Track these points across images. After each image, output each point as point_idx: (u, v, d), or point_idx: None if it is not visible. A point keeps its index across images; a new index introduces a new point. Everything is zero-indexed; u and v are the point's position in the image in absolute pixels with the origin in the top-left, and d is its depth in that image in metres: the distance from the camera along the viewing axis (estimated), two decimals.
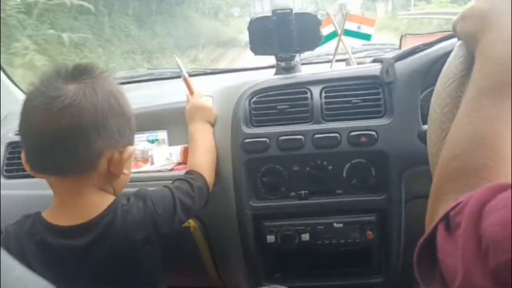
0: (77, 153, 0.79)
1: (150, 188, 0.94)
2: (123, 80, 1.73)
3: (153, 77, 1.74)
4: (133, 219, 0.86)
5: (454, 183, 0.55)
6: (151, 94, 1.57)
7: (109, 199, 0.86)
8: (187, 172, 1.07)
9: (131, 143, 0.88)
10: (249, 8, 18.89)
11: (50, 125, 0.77)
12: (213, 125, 1.22)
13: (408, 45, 1.47)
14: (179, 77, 1.71)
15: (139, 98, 1.48)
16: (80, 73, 0.82)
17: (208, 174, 1.08)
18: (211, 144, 1.18)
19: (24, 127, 0.81)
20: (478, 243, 0.42)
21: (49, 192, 0.87)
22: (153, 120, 1.36)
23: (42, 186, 0.88)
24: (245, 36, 1.28)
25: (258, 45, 1.26)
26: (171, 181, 1.02)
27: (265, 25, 1.23)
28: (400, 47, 1.54)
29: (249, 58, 1.61)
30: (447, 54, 1.09)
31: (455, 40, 1.12)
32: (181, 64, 1.26)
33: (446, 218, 0.48)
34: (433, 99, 0.73)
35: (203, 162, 1.11)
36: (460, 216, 0.46)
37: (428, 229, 0.54)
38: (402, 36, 1.53)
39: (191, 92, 1.26)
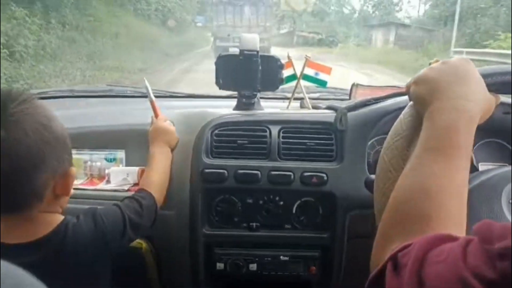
0: (21, 193, 0.79)
1: (101, 207, 0.96)
2: (83, 94, 1.74)
3: (113, 94, 1.76)
4: (84, 236, 0.87)
5: (400, 227, 0.62)
6: (110, 111, 1.59)
7: (58, 218, 0.88)
8: (137, 190, 1.10)
9: (71, 163, 0.89)
10: (211, 20, 18.73)
11: None
12: (173, 149, 1.27)
13: (358, 94, 1.61)
14: (140, 96, 1.76)
15: (99, 115, 1.51)
16: (2, 109, 0.76)
17: (158, 193, 1.12)
18: (166, 167, 1.22)
19: None
20: (420, 286, 0.49)
21: None
22: (112, 139, 1.38)
23: None
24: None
25: (223, 80, 1.33)
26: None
27: (232, 63, 1.31)
28: (350, 95, 1.66)
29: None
30: (394, 111, 1.23)
31: (402, 98, 1.26)
32: (149, 87, 1.30)
33: (394, 258, 0.55)
34: (382, 150, 0.82)
35: (155, 182, 1.15)
36: (406, 258, 0.52)
37: (373, 266, 0.61)
38: (353, 85, 1.66)
39: (156, 115, 1.30)
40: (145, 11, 16.84)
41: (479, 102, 0.68)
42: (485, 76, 0.73)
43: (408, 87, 0.76)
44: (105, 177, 1.34)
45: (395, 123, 0.81)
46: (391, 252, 0.56)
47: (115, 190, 1.27)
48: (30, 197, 0.81)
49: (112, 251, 0.92)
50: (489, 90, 0.73)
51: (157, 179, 1.16)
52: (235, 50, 1.32)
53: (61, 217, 0.88)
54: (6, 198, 0.78)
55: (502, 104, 1.00)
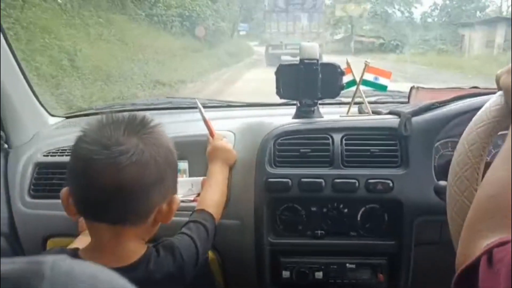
0: (136, 207, 0.82)
1: (173, 238, 0.98)
2: (143, 107, 1.80)
3: (172, 106, 1.81)
4: (163, 271, 0.90)
5: (489, 221, 0.61)
6: (171, 122, 1.63)
7: (143, 248, 0.89)
8: (198, 211, 1.12)
9: (176, 191, 0.93)
10: (264, 27, 18.76)
11: (114, 180, 0.78)
12: (232, 167, 1.29)
13: (418, 97, 1.57)
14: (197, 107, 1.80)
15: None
16: (140, 126, 0.83)
17: (217, 214, 1.15)
18: (225, 186, 1.24)
19: (80, 176, 0.81)
20: None
21: None
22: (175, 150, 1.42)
23: None
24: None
25: (283, 89, 1.34)
26: (189, 213, 1.11)
27: (292, 72, 1.32)
28: (409, 98, 1.63)
29: None
30: (461, 114, 1.20)
31: (469, 100, 1.23)
32: (201, 107, 1.32)
33: (489, 252, 0.54)
34: (463, 135, 0.81)
35: (215, 202, 1.17)
36: (503, 254, 0.52)
37: (461, 261, 0.61)
38: (412, 87, 1.63)
39: (212, 134, 1.32)
40: (172, 24, 14.66)
41: None
42: None
43: (499, 76, 0.75)
44: None
45: (479, 111, 0.80)
46: (486, 247, 0.56)
47: (182, 201, 1.30)
48: (141, 213, 0.84)
49: (187, 278, 0.96)
50: None
51: (217, 199, 1.18)
52: (287, 58, 1.33)
53: (145, 247, 0.90)
54: (120, 208, 0.81)
55: None
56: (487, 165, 0.72)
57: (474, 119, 0.80)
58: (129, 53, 8.92)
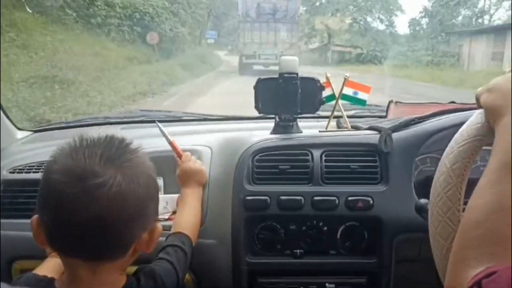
0: (114, 243, 0.77)
1: (153, 265, 0.94)
2: (117, 121, 1.74)
3: (147, 119, 1.76)
4: None
5: (477, 249, 0.59)
6: (145, 137, 1.58)
7: (122, 279, 0.84)
8: (174, 234, 1.09)
9: (157, 216, 0.88)
10: (234, 36, 19.01)
11: (89, 216, 0.72)
12: (205, 186, 1.25)
13: (396, 112, 1.57)
14: (173, 120, 1.75)
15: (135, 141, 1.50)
16: (118, 153, 0.76)
17: (194, 236, 1.12)
18: (199, 207, 1.21)
19: (52, 210, 0.74)
20: None
21: None
22: None
23: None
24: None
25: (262, 104, 1.31)
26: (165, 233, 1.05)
27: (271, 86, 1.29)
28: (387, 112, 1.62)
29: None
30: (442, 130, 1.19)
31: (449, 115, 1.22)
32: (163, 129, 1.27)
33: (478, 283, 0.53)
34: (444, 154, 0.79)
35: (190, 224, 1.14)
36: (492, 285, 0.51)
37: None
38: (390, 101, 1.62)
39: (179, 156, 1.26)
40: (116, 29, 12.24)
41: None
42: None
43: (479, 94, 0.73)
44: None
45: (460, 130, 0.78)
46: (474, 278, 0.54)
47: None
48: (119, 248, 0.78)
49: None
50: None
51: (192, 221, 1.16)
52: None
53: (124, 278, 0.85)
54: (97, 242, 0.75)
55: None
56: (469, 182, 0.71)
57: (455, 137, 0.79)
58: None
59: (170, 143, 1.27)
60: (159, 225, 0.86)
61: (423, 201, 1.09)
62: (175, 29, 15.09)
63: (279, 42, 16.68)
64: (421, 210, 1.09)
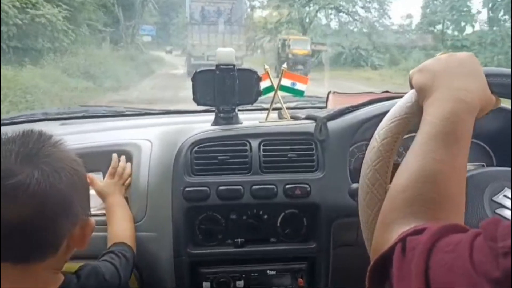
0: (41, 242, 0.74)
1: (94, 263, 0.94)
2: (57, 116, 1.69)
3: (88, 115, 1.72)
4: None
5: (402, 211, 0.62)
6: (85, 132, 1.55)
7: (59, 278, 0.82)
8: (115, 244, 1.08)
9: (90, 213, 0.86)
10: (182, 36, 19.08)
11: (10, 217, 0.70)
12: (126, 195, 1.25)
13: (335, 102, 1.61)
14: (114, 115, 1.73)
15: (74, 137, 1.47)
16: (35, 149, 0.74)
17: (133, 243, 1.12)
18: (129, 214, 1.20)
19: None
20: (427, 273, 0.50)
21: None
22: (89, 161, 1.33)
23: None
24: None
25: (200, 96, 1.31)
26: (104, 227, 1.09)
27: (208, 78, 1.30)
28: (326, 103, 1.66)
29: None
30: (373, 117, 1.24)
31: (381, 103, 1.27)
32: None
33: (403, 240, 0.55)
34: (376, 131, 0.82)
35: (127, 233, 1.14)
36: (416, 242, 0.53)
37: (375, 252, 0.62)
38: (329, 92, 1.66)
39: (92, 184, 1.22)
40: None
41: (480, 96, 0.70)
42: (488, 75, 0.74)
43: (411, 75, 0.77)
44: None
45: (392, 108, 0.82)
46: (401, 235, 0.56)
47: (95, 215, 1.24)
48: (48, 246, 0.76)
49: None
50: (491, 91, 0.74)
51: (128, 230, 1.15)
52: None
53: (61, 278, 0.82)
54: (23, 243, 0.73)
55: None
56: (396, 166, 0.74)
57: (387, 115, 0.82)
58: None
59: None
60: (92, 220, 0.85)
61: (355, 185, 1.12)
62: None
63: (227, 43, 16.98)
64: (354, 194, 1.13)
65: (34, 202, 0.71)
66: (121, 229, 1.14)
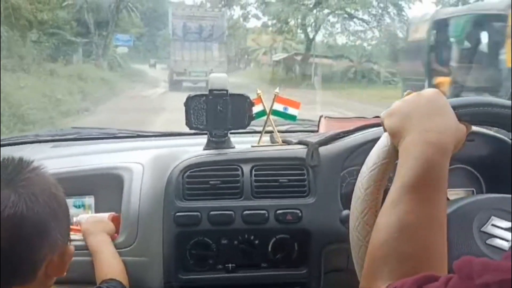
0: (17, 266, 0.74)
1: None
2: (48, 138, 1.69)
3: (80, 137, 1.72)
4: None
5: (382, 269, 0.62)
6: (77, 155, 1.55)
7: None
8: (107, 280, 1.07)
9: (69, 240, 0.86)
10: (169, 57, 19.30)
11: None
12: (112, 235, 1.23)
13: (327, 126, 1.63)
14: (107, 137, 1.73)
15: (66, 159, 1.47)
16: (13, 173, 0.75)
17: (124, 279, 1.11)
18: (115, 251, 1.18)
19: None
20: None
21: None
22: (80, 184, 1.34)
23: None
24: None
25: (193, 120, 1.32)
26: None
27: (201, 103, 1.31)
28: (318, 127, 1.68)
29: None
30: (365, 143, 1.25)
31: (372, 130, 1.28)
32: None
33: None
34: (358, 179, 0.83)
35: (117, 268, 1.13)
36: None
37: None
38: (321, 117, 1.68)
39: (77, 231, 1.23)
40: None
41: (452, 134, 0.70)
42: (456, 107, 0.75)
43: (382, 118, 0.78)
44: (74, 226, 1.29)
45: (370, 153, 0.82)
46: None
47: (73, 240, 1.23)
48: (25, 271, 0.76)
49: None
50: (460, 120, 0.75)
51: (115, 264, 1.14)
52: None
53: None
54: (1, 268, 0.72)
55: None
56: (387, 191, 0.74)
57: (366, 161, 0.83)
58: None
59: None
60: (71, 247, 0.85)
61: (345, 212, 1.14)
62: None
63: (208, 60, 17.41)
64: (345, 221, 1.14)
65: (10, 225, 0.71)
66: (110, 265, 1.12)
